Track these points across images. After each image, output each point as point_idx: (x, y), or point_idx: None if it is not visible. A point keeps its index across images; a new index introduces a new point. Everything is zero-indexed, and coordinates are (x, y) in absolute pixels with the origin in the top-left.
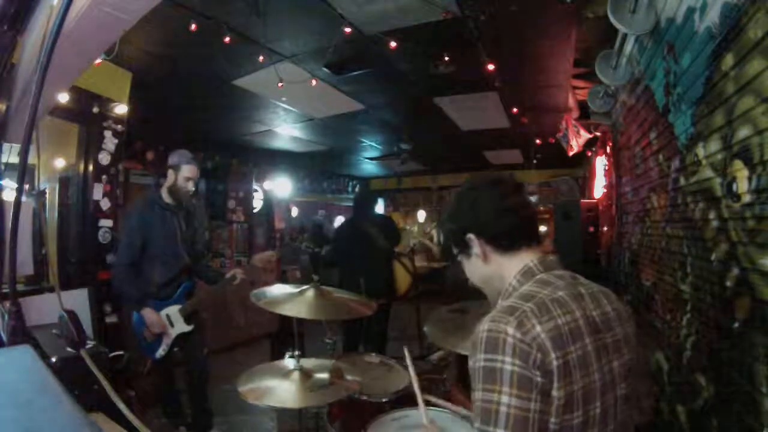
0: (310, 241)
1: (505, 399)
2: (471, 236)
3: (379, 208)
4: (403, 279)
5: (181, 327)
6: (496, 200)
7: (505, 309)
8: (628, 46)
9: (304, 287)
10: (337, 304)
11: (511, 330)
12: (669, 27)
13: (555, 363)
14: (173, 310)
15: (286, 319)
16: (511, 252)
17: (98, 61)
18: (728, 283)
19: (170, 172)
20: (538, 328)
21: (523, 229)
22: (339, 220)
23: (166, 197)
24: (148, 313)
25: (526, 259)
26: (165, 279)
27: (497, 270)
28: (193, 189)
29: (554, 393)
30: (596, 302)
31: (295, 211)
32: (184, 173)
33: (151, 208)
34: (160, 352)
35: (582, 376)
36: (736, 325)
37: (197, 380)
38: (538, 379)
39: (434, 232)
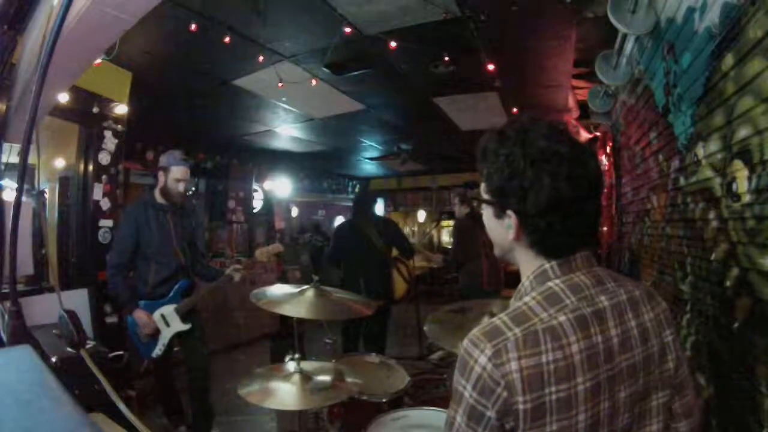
0: (316, 234)
1: (458, 418)
2: (511, 213)
3: (379, 208)
4: (399, 285)
5: (177, 326)
6: (571, 201)
7: (489, 331)
8: (628, 46)
9: (304, 287)
10: (337, 304)
11: (482, 359)
12: (669, 27)
13: (522, 406)
14: (168, 310)
15: (286, 319)
16: (543, 253)
17: (98, 61)
18: (728, 283)
19: (160, 174)
20: (513, 364)
21: (577, 234)
22: (339, 220)
23: (159, 198)
24: (138, 315)
25: (545, 259)
26: (159, 279)
27: (520, 251)
28: (184, 190)
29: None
30: (619, 318)
31: (295, 211)
32: (174, 175)
33: (145, 209)
34: (156, 351)
35: (558, 420)
36: (736, 325)
37: (198, 379)
38: (493, 417)
39: (434, 233)
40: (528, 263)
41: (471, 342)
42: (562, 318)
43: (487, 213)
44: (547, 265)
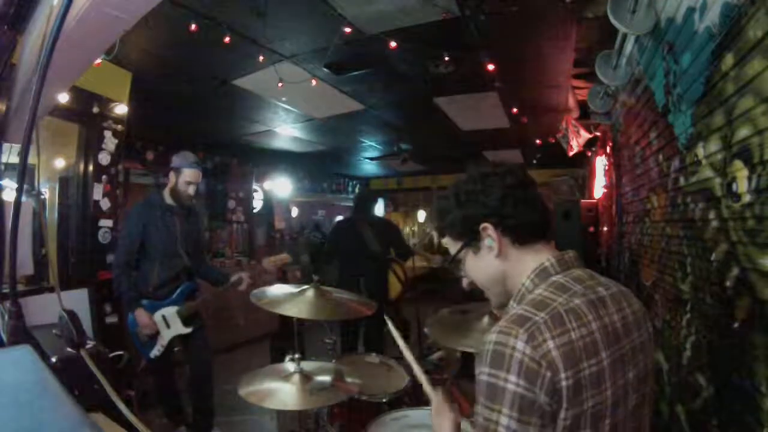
0: (314, 231)
1: (504, 420)
2: (486, 225)
3: (379, 208)
4: (394, 286)
5: (177, 328)
6: (516, 186)
7: (516, 319)
8: (628, 46)
9: (304, 287)
10: (337, 304)
11: (520, 345)
12: (669, 27)
13: (564, 383)
14: (170, 311)
15: (286, 319)
16: (527, 246)
17: (98, 61)
18: (728, 283)
19: (171, 174)
20: (550, 343)
21: (543, 220)
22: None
23: (167, 198)
24: (139, 315)
25: (542, 256)
26: (163, 279)
27: (510, 268)
28: (194, 192)
29: (561, 414)
30: (617, 305)
31: (295, 211)
32: (185, 177)
33: (152, 209)
34: (155, 352)
35: (593, 395)
36: (736, 325)
37: (200, 382)
38: (543, 401)
39: (434, 233)
40: (523, 269)
41: (501, 332)
42: (577, 301)
43: (468, 262)
44: (547, 263)
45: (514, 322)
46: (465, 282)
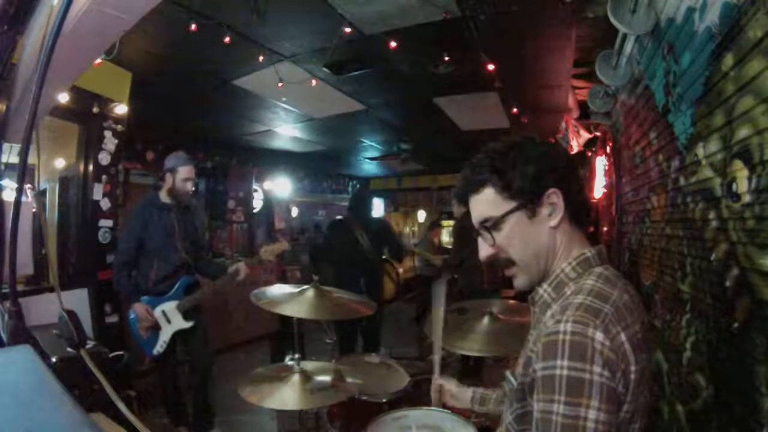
0: (317, 231)
1: (593, 414)
2: (555, 191)
3: (378, 208)
4: (387, 287)
5: (178, 323)
6: (575, 161)
7: (588, 309)
8: (628, 46)
9: (304, 287)
10: (337, 304)
11: (599, 335)
12: (669, 27)
13: (633, 376)
14: (170, 306)
15: (286, 319)
16: (578, 228)
17: (98, 61)
18: (728, 283)
19: (168, 176)
20: (622, 335)
21: (590, 205)
22: None
23: (164, 198)
24: (137, 307)
25: (585, 245)
26: (162, 275)
27: (560, 243)
28: (191, 188)
29: (624, 407)
30: (640, 305)
31: (295, 211)
32: (182, 175)
33: (149, 208)
34: (157, 349)
35: (644, 389)
36: (736, 325)
37: (201, 378)
38: (620, 391)
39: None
40: (568, 251)
41: (578, 323)
42: (626, 297)
43: (515, 227)
44: (589, 253)
45: (587, 312)
46: (485, 253)
